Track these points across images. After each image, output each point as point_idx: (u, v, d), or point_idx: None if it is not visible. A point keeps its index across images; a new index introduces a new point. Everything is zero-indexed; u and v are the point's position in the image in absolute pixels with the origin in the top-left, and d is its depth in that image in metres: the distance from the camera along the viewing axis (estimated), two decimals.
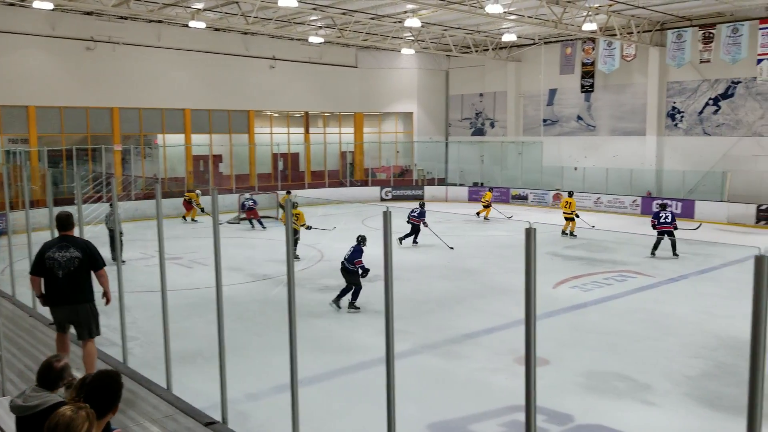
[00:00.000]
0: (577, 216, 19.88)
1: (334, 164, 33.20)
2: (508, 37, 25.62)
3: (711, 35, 23.89)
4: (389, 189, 30.58)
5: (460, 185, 31.25)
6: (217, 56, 28.21)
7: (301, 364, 5.65)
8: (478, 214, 24.23)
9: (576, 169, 28.63)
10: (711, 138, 24.96)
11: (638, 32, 25.09)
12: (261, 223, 22.32)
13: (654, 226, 16.70)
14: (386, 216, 4.64)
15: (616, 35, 24.84)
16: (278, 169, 30.68)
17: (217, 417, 6.35)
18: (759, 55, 22.57)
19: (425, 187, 31.22)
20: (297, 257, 15.94)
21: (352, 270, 11.80)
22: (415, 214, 18.53)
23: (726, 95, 24.50)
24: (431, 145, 33.77)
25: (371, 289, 13.15)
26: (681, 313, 11.45)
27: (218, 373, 6.31)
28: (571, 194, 20.15)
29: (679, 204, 23.82)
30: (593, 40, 27.20)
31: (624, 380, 8.35)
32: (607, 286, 13.46)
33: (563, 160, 29.45)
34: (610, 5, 22.58)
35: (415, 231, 18.48)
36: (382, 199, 30.03)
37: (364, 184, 31.82)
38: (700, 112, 25.28)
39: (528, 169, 30.43)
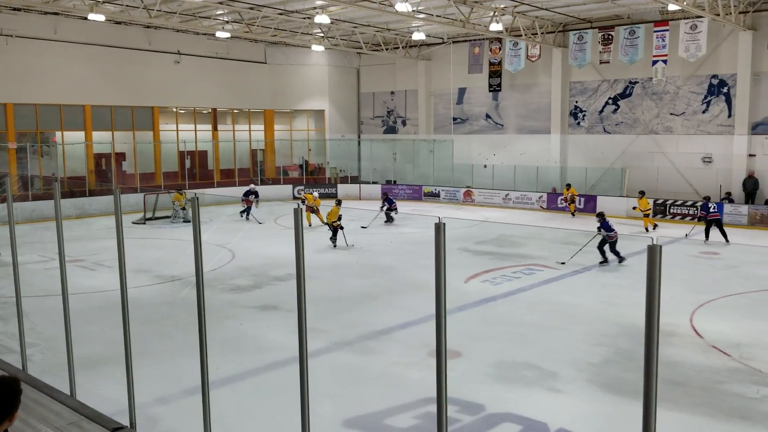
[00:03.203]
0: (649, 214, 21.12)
1: (244, 162, 32.54)
2: (418, 36, 25.96)
3: (610, 37, 25.11)
4: (302, 187, 30.31)
5: (374, 183, 31.40)
6: (118, 50, 27.03)
7: (212, 366, 5.50)
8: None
9: (485, 166, 29.40)
10: (611, 136, 26.26)
11: (542, 33, 26.04)
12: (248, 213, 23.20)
13: (703, 218, 18.61)
14: (297, 213, 4.59)
15: (521, 36, 25.68)
16: (185, 168, 29.77)
17: (125, 422, 6.10)
18: (654, 56, 23.92)
19: (338, 185, 31.16)
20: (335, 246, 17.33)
21: None
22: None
23: (624, 95, 25.84)
24: (344, 143, 33.76)
25: (283, 288, 13.02)
26: (584, 303, 11.98)
27: (125, 378, 6.05)
28: (642, 194, 21.31)
29: (582, 199, 24.92)
30: (500, 40, 28.00)
31: (532, 369, 8.64)
32: (515, 279, 13.89)
33: (473, 157, 30.16)
34: (515, 6, 23.32)
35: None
36: (295, 198, 29.73)
37: (276, 182, 31.40)
38: (601, 111, 26.53)
39: (439, 167, 30.97)
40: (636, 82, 25.38)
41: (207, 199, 25.81)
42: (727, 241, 17.78)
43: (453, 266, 14.60)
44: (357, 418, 7.13)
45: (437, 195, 29.44)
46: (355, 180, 32.45)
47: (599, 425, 6.98)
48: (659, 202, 23.36)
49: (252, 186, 24.72)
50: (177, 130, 30.14)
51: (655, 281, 2.18)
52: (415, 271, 14.57)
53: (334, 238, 17.72)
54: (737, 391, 7.88)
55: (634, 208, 21.13)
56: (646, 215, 20.91)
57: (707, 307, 11.62)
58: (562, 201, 25.25)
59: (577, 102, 27.15)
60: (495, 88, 29.09)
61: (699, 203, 20.96)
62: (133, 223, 22.13)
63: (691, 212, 22.44)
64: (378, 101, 34.29)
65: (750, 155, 22.87)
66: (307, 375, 4.68)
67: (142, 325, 10.12)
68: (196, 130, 30.81)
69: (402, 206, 27.07)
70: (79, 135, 26.78)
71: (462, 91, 30.76)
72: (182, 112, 30.97)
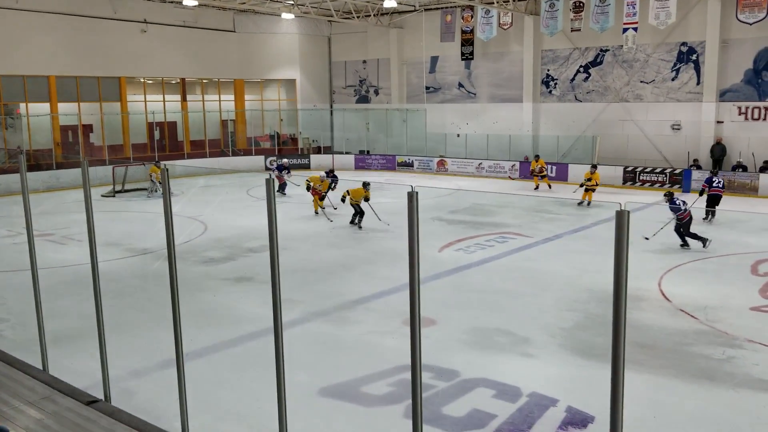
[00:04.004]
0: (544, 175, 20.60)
1: (214, 133, 32.06)
2: (389, 3, 25.64)
3: (581, 4, 25.08)
4: (274, 158, 30.05)
5: (347, 153, 31.26)
6: (83, 19, 26.27)
7: (187, 338, 5.49)
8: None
9: (459, 135, 29.41)
10: (582, 104, 26.40)
11: (514, 1, 25.90)
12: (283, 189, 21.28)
13: (704, 190, 17.02)
14: (269, 183, 4.55)
15: (493, 3, 25.52)
16: (154, 139, 29.27)
17: (100, 396, 6.07)
18: (624, 24, 23.96)
19: (311, 155, 30.96)
20: (360, 227, 16.20)
21: None
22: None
23: (595, 63, 25.93)
24: (316, 113, 33.45)
25: (258, 260, 12.98)
26: (556, 270, 12.15)
27: (98, 352, 6.02)
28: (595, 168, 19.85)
29: (554, 167, 25.11)
30: (472, 8, 27.81)
31: (505, 335, 8.77)
32: (489, 247, 14.01)
33: (446, 126, 30.14)
34: None
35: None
36: (267, 169, 29.47)
37: (248, 153, 31.07)
38: (572, 80, 26.62)
39: (413, 137, 30.90)
40: (607, 50, 25.46)
41: (178, 171, 25.44)
42: (711, 217, 16.85)
43: (427, 235, 14.67)
44: (333, 387, 7.19)
45: (411, 165, 29.43)
46: (328, 150, 32.26)
47: (570, 387, 7.13)
48: (629, 169, 23.65)
49: (284, 160, 23.03)
50: (145, 101, 29.57)
51: (623, 243, 2.21)
52: (389, 241, 14.62)
53: (359, 220, 16.34)
54: (704, 353, 8.10)
55: (588, 180, 19.26)
56: (592, 189, 19.30)
57: (675, 271, 11.87)
58: (531, 173, 24.20)
59: (549, 70, 27.19)
60: (467, 57, 28.96)
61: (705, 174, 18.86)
62: (102, 196, 21.78)
63: (659, 179, 22.76)
64: (350, 70, 33.95)
65: (718, 122, 23.20)
66: (282, 345, 4.69)
67: (115, 298, 10.04)
68: (164, 101, 30.25)
69: (376, 176, 27.08)
70: (45, 107, 26.12)
71: (434, 60, 30.58)
72: (150, 82, 30.34)
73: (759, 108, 22.47)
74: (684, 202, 13.81)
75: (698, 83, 23.52)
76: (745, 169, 21.97)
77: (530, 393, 6.98)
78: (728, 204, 19.42)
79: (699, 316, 9.45)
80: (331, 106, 34.36)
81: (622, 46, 24.36)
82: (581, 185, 19.79)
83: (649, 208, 17.28)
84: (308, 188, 18.32)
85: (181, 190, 23.22)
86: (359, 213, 16.37)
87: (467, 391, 7.06)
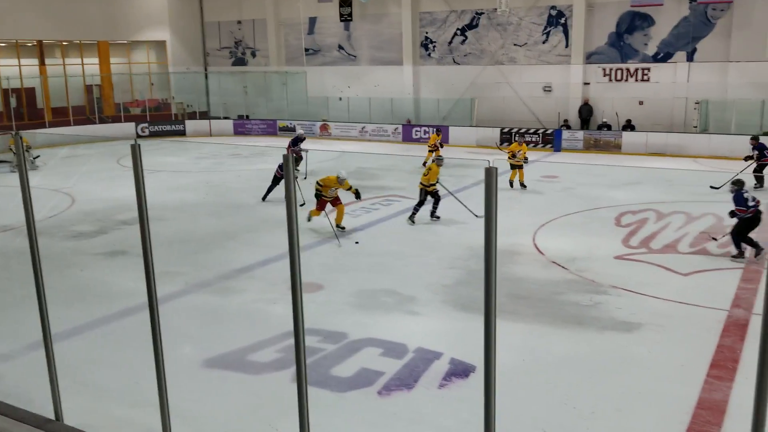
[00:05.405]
0: (526, 161, 16.47)
1: (78, 100, 29.84)
2: None
3: None
4: (146, 125, 28.53)
5: (225, 118, 30.23)
6: None
7: (56, 317, 5.12)
8: None
9: (341, 99, 29.21)
10: (460, 67, 26.95)
11: None
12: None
13: (756, 159, 15.73)
14: (135, 150, 4.28)
15: None
16: (11, 107, 26.88)
17: None
18: None
19: (186, 121, 29.66)
20: (438, 217, 13.03)
21: None
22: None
23: (471, 26, 26.48)
24: (189, 77, 31.95)
25: (132, 232, 12.33)
26: (439, 230, 12.46)
27: None
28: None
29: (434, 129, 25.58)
30: None
31: (391, 295, 8.91)
32: (374, 210, 14.13)
33: (327, 90, 29.82)
34: None
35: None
36: (139, 136, 27.94)
37: (116, 120, 29.22)
38: (450, 42, 27.07)
39: (294, 100, 30.35)
40: (482, 13, 26.05)
41: (38, 140, 23.56)
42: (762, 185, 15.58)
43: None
44: (218, 357, 7.01)
45: (293, 129, 28.90)
46: (204, 116, 31.05)
47: (453, 340, 7.39)
48: (505, 130, 24.54)
49: (300, 132, 20.21)
50: None
51: (492, 199, 2.24)
52: (272, 207, 14.36)
53: (434, 208, 13.11)
54: (573, 300, 8.64)
55: (513, 155, 16.11)
56: (519, 166, 16.16)
57: (548, 226, 12.52)
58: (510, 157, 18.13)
59: (427, 33, 27.47)
60: (346, 18, 28.65)
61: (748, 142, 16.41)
62: None
63: (533, 139, 23.76)
64: (224, 31, 32.65)
65: (585, 83, 24.51)
66: (157, 316, 4.48)
67: None
68: (20, 65, 27.78)
69: (257, 141, 26.46)
70: None
71: (313, 21, 30.02)
72: (3, 45, 27.71)
73: (621, 69, 23.94)
74: (754, 198, 10.23)
75: (567, 46, 24.65)
76: (609, 128, 23.44)
77: (416, 349, 7.15)
78: (596, 160, 20.70)
79: (569, 266, 10.03)
80: (206, 69, 32.98)
81: (496, 9, 25.00)
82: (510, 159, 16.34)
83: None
84: (317, 196, 12.26)
85: (44, 162, 21.56)
86: (437, 198, 13.07)
87: (355, 352, 7.12)
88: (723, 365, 6.70)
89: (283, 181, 13.75)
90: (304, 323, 3.91)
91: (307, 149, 18.34)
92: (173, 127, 28.87)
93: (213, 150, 24.28)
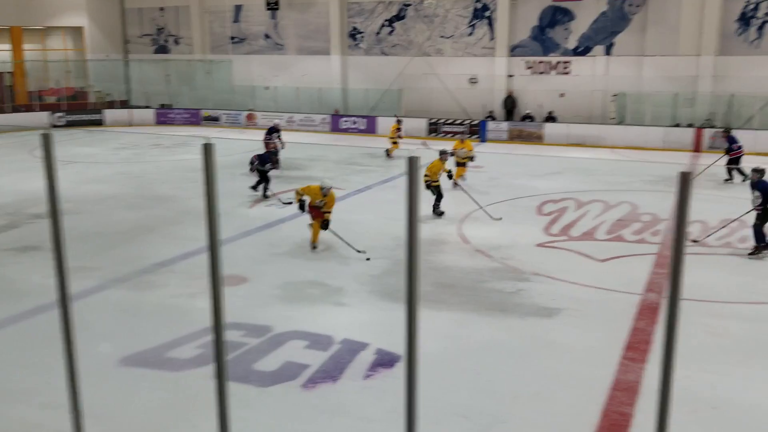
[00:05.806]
0: (472, 159, 15.86)
1: None
2: None
3: None
4: (61, 114, 27.24)
5: (146, 107, 29.22)
6: None
7: None
8: None
9: (267, 88, 28.74)
10: (388, 58, 26.97)
11: None
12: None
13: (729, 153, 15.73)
14: (46, 139, 4.05)
15: None
16: None
17: None
18: None
19: (105, 110, 28.48)
20: (442, 212, 12.61)
21: None
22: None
23: (399, 17, 26.53)
24: (109, 64, 30.70)
25: (45, 226, 11.76)
26: (367, 220, 12.43)
27: None
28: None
29: (364, 120, 25.55)
30: None
31: (318, 287, 8.84)
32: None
33: (254, 79, 29.26)
34: None
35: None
36: (54, 126, 26.66)
37: (29, 109, 27.77)
38: (378, 33, 27.04)
39: (218, 89, 29.63)
40: (409, 5, 26.13)
41: None
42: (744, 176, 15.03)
43: (237, 192, 14.22)
44: (136, 355, 6.77)
45: (217, 119, 28.30)
46: (125, 104, 29.94)
47: (379, 330, 7.38)
48: (433, 121, 24.75)
49: (277, 122, 18.47)
50: None
51: (414, 188, 2.21)
52: (196, 200, 13.96)
53: (437, 204, 12.70)
54: (497, 288, 8.79)
55: (452, 153, 14.92)
56: (463, 164, 15.74)
57: (473, 216, 12.70)
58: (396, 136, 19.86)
59: (355, 23, 27.35)
60: (273, 6, 28.14)
61: (719, 133, 17.53)
62: None
63: (460, 130, 24.05)
64: (146, 18, 31.53)
65: (509, 76, 24.98)
66: (69, 311, 4.26)
67: None
68: None
69: (179, 131, 25.70)
70: None
71: (238, 9, 29.38)
72: None
73: (544, 62, 24.52)
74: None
75: (491, 39, 25.05)
76: (532, 119, 24.00)
77: (342, 340, 7.12)
78: (519, 150, 21.16)
79: (493, 254, 10.22)
80: (126, 57, 31.77)
81: (422, 0, 25.12)
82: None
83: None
84: (301, 206, 10.64)
85: None
86: (440, 193, 12.76)
87: (279, 345, 7.02)
88: (637, 347, 6.98)
89: (265, 174, 13.49)
90: (226, 317, 3.79)
91: (284, 141, 17.64)
92: (91, 116, 27.70)
93: (133, 140, 23.45)
